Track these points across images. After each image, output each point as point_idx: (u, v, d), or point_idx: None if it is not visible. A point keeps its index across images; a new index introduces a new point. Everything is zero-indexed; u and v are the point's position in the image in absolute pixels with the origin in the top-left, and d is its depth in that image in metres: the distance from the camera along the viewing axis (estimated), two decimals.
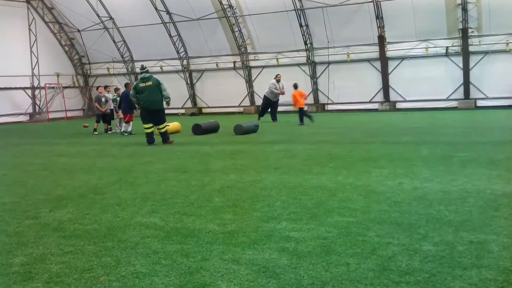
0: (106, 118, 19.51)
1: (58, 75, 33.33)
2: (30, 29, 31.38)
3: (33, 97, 31.92)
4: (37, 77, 31.72)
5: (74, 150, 13.93)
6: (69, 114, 32.84)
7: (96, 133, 19.08)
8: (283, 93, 21.00)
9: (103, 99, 19.38)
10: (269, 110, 21.57)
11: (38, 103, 32.17)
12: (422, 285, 3.66)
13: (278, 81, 21.17)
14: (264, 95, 21.54)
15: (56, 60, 33.44)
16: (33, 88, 31.82)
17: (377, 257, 4.27)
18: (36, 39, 31.49)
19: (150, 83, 14.00)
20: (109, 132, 19.26)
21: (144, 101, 14.08)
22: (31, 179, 9.10)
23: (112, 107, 19.37)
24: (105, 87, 20.41)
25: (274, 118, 21.36)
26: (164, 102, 14.35)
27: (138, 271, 4.17)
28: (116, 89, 20.26)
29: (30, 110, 31.87)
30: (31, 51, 31.42)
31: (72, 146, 14.89)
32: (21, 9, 30.97)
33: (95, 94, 34.41)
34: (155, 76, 14.81)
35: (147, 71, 14.37)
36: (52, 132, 22.21)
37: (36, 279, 4.10)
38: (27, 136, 20.32)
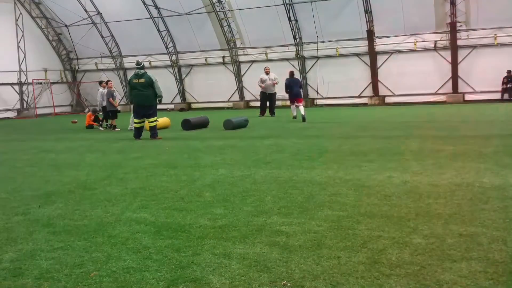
0: (109, 114, 18.83)
1: (45, 71, 33.08)
2: (17, 24, 31.07)
3: (21, 93, 31.65)
4: (25, 72, 31.45)
5: (62, 146, 13.83)
6: (57, 110, 32.62)
7: (118, 129, 18.25)
8: (276, 84, 21.08)
9: (115, 93, 19.02)
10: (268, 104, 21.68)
11: (26, 99, 31.91)
12: (413, 278, 3.68)
13: (267, 73, 21.27)
14: (261, 91, 21.64)
15: (44, 56, 33.18)
16: (20, 84, 31.55)
17: (368, 250, 4.29)
18: (23, 35, 31.20)
19: (143, 80, 14.13)
20: (101, 128, 19.05)
21: (137, 97, 14.32)
22: (20, 175, 9.02)
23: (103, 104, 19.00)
24: (106, 82, 19.27)
25: (271, 112, 21.38)
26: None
27: (129, 266, 4.15)
28: None
29: (18, 106, 31.60)
30: (18, 47, 31.12)
31: (60, 142, 14.78)
32: (8, 4, 30.63)
33: (82, 88, 34.60)
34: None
35: (142, 67, 14.42)
36: (40, 128, 22.03)
37: (26, 275, 4.07)
38: (14, 132, 20.14)
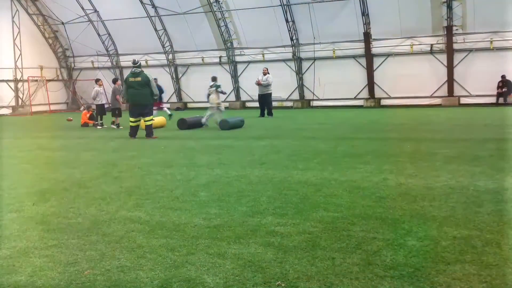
0: (116, 112, 18.65)
1: (41, 68, 32.96)
2: (13, 21, 30.96)
3: (16, 90, 31.54)
4: (20, 69, 31.34)
5: (57, 143, 13.80)
6: (52, 107, 32.51)
7: (117, 127, 18.25)
8: (258, 83, 21.20)
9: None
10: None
11: (21, 96, 31.79)
12: (407, 280, 3.69)
13: (264, 74, 21.42)
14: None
15: (40, 53, 33.04)
16: (16, 81, 31.44)
17: (362, 251, 4.30)
18: (19, 31, 31.08)
19: (139, 79, 14.15)
20: (99, 127, 18.97)
21: (133, 96, 14.32)
22: (14, 173, 8.99)
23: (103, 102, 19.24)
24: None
25: (268, 113, 21.43)
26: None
27: (123, 265, 4.15)
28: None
29: (13, 103, 31.49)
30: (14, 44, 31.01)
31: (55, 140, 14.75)
32: (4, 1, 30.52)
33: (78, 86, 34.49)
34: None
35: (139, 66, 14.45)
36: (35, 125, 21.97)
37: (20, 272, 4.06)
38: (9, 129, 20.07)
